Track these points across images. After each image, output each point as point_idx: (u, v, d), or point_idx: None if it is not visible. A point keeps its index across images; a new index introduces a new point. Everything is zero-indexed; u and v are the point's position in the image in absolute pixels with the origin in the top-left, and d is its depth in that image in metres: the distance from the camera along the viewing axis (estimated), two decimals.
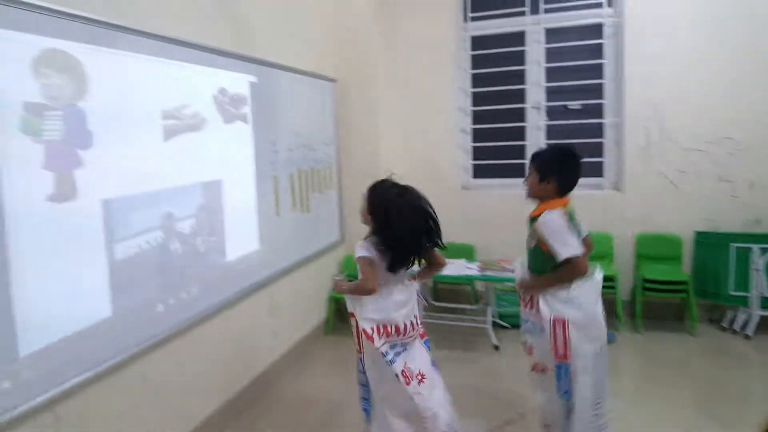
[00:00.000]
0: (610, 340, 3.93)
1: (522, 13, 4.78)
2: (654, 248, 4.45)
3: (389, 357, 2.15)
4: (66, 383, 1.98)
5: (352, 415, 3.12)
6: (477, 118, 5.06)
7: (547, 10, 4.72)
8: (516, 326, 4.34)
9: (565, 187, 2.38)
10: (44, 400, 1.89)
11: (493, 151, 5.02)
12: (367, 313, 2.18)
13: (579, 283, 2.27)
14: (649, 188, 4.50)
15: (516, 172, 4.97)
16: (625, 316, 4.35)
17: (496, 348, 4.00)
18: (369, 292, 2.16)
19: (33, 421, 1.87)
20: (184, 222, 2.65)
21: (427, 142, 5.07)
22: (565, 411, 2.34)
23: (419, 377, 2.20)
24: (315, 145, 4.16)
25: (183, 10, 2.70)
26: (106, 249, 2.17)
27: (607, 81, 4.64)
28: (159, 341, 2.48)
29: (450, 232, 5.02)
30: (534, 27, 4.76)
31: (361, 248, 2.21)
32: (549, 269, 2.31)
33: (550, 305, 2.29)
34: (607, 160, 4.71)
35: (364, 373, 2.30)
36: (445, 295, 5.00)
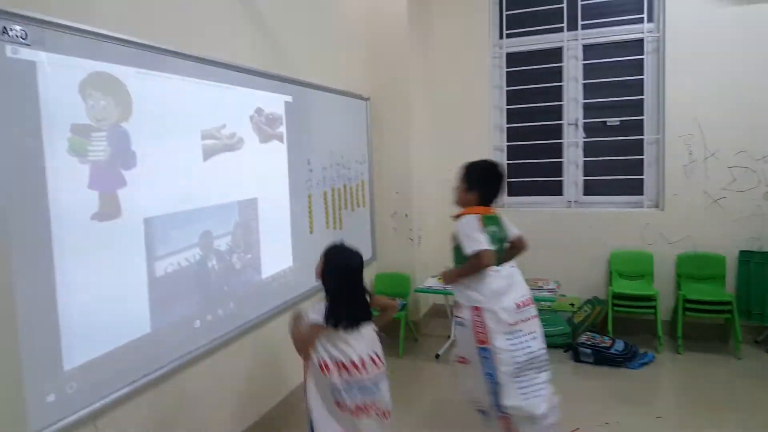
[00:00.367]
0: (649, 359, 3.91)
1: (559, 29, 4.75)
2: (696, 268, 4.32)
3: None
4: (107, 397, 2.02)
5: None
6: (511, 135, 5.02)
7: (584, 26, 4.68)
8: (551, 346, 4.24)
9: (486, 198, 2.68)
10: (87, 413, 1.94)
11: (528, 168, 4.97)
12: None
13: (489, 275, 2.55)
14: (691, 206, 4.37)
15: (552, 190, 4.91)
16: (665, 336, 4.23)
17: None
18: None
19: None
20: (221, 239, 2.70)
21: (461, 160, 4.98)
22: (492, 389, 2.54)
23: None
24: (349, 164, 4.20)
25: (221, 33, 2.79)
26: (147, 266, 2.23)
27: (647, 97, 4.55)
28: (196, 356, 2.52)
29: None
30: (572, 43, 4.73)
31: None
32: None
33: (465, 296, 2.59)
34: (647, 177, 4.60)
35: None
36: None
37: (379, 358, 2.26)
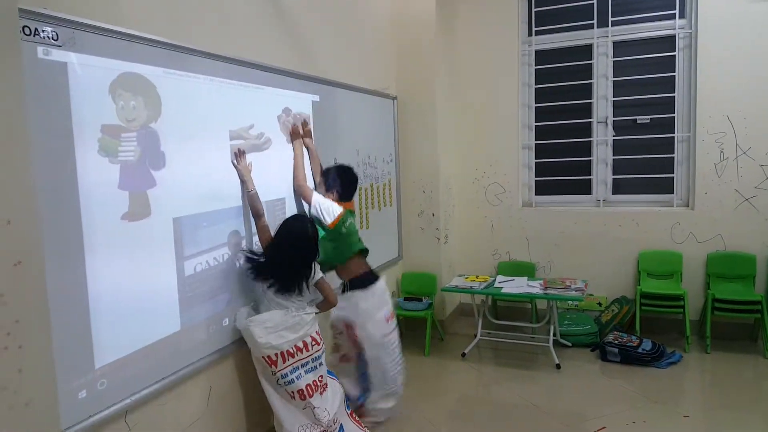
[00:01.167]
0: (677, 359, 3.84)
1: (589, 26, 4.66)
2: (726, 267, 4.25)
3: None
4: (137, 393, 2.05)
5: (414, 428, 3.11)
6: (540, 133, 4.95)
7: (614, 23, 4.58)
8: (578, 345, 4.21)
9: (343, 196, 3.09)
10: (118, 409, 1.96)
11: (556, 167, 4.89)
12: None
13: (358, 292, 2.99)
14: (722, 205, 4.28)
15: (581, 188, 4.83)
16: (693, 336, 4.19)
17: (558, 367, 3.89)
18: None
19: (107, 429, 1.95)
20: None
21: (488, 158, 5.01)
22: (363, 388, 3.06)
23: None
24: (375, 163, 4.19)
25: (249, 33, 2.80)
26: (176, 265, 2.25)
27: (679, 94, 4.43)
28: (224, 355, 2.54)
29: (510, 249, 5.03)
30: (602, 40, 4.63)
31: None
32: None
33: (339, 309, 2.95)
34: (678, 176, 4.50)
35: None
36: (504, 313, 4.92)
37: (319, 336, 2.65)
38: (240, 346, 2.64)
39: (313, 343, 2.59)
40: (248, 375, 2.74)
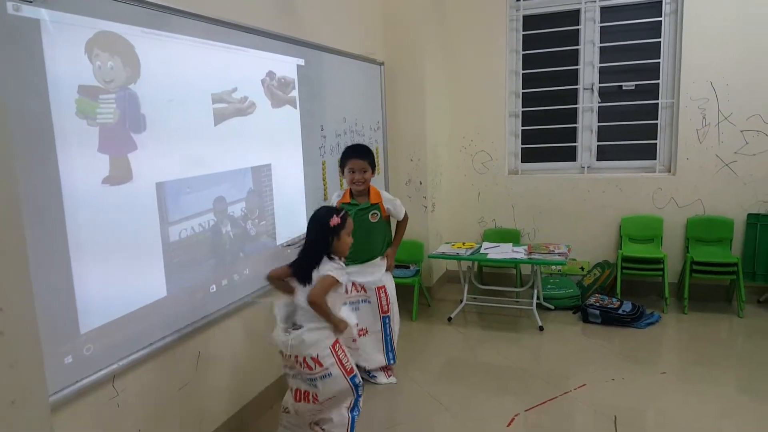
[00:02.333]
0: (655, 319, 4.00)
1: None
2: (705, 231, 4.36)
3: None
4: (125, 359, 2.05)
5: (402, 390, 3.18)
6: (526, 100, 4.93)
7: None
8: (561, 308, 4.31)
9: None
10: (105, 374, 1.96)
11: (543, 134, 4.89)
12: None
13: None
14: (702, 171, 4.36)
15: (565, 155, 4.85)
16: (671, 298, 4.33)
17: (541, 329, 3.98)
18: None
19: (95, 394, 1.95)
20: (235, 205, 2.68)
21: (476, 126, 4.99)
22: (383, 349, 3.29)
23: None
24: (363, 130, 4.15)
25: None
26: (161, 231, 2.22)
27: (664, 60, 4.44)
28: (212, 321, 2.54)
29: (496, 216, 5.06)
30: (589, 5, 4.58)
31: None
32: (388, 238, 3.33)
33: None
34: (661, 142, 4.54)
35: None
36: (490, 279, 5.00)
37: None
38: (228, 312, 2.64)
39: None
40: (237, 341, 2.76)
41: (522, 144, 4.98)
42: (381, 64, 4.45)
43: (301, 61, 3.26)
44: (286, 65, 3.12)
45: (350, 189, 3.20)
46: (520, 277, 4.83)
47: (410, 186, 4.70)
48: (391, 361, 3.30)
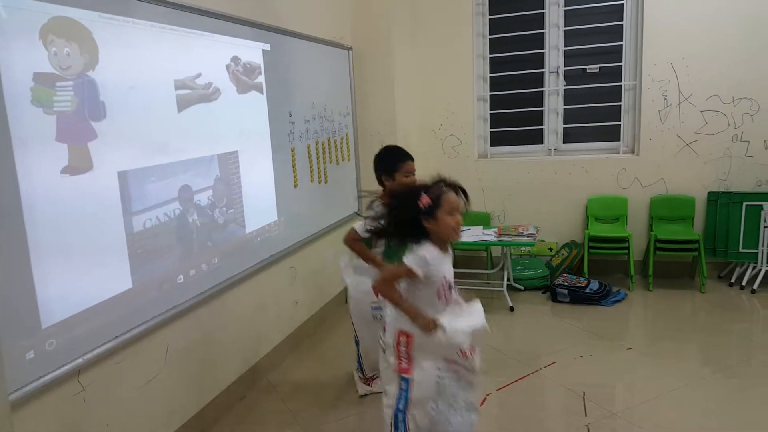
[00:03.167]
0: (622, 297, 4.13)
1: None
2: (668, 210, 4.48)
3: None
4: (90, 353, 2.00)
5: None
6: (494, 84, 4.95)
7: None
8: (531, 288, 4.44)
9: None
10: (69, 369, 1.91)
11: (511, 118, 4.93)
12: None
13: None
14: (664, 151, 4.47)
15: (533, 138, 4.91)
16: (637, 276, 4.44)
17: (512, 309, 4.06)
18: None
19: (59, 390, 1.90)
20: (201, 194, 2.64)
21: (445, 110, 5.00)
22: None
23: None
24: (332, 116, 4.11)
25: None
26: (124, 221, 2.17)
27: (626, 43, 4.51)
28: (181, 312, 2.50)
29: None
30: None
31: None
32: None
33: None
34: (624, 123, 4.63)
35: None
36: (461, 261, 5.04)
37: None
38: (198, 303, 2.60)
39: None
40: (206, 331, 2.73)
41: (490, 128, 5.01)
42: (349, 49, 4.40)
43: (267, 46, 3.20)
44: (252, 50, 3.06)
45: None
46: (490, 259, 4.89)
47: None
48: None
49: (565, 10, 4.62)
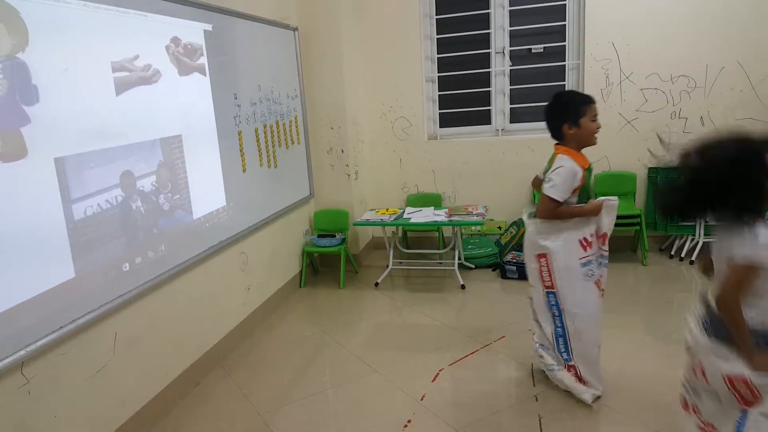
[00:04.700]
0: None
1: None
2: (611, 186, 4.63)
3: None
4: (33, 344, 1.95)
5: (332, 356, 3.23)
6: (442, 65, 4.99)
7: None
8: (481, 266, 4.55)
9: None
10: (11, 361, 1.86)
11: (459, 99, 4.99)
12: None
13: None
14: (607, 128, 4.47)
15: (481, 119, 4.97)
16: None
17: (463, 287, 4.16)
18: None
19: (2, 383, 1.85)
20: (144, 179, 2.57)
21: (394, 92, 5.00)
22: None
23: None
24: (280, 99, 4.06)
25: None
26: (64, 209, 2.10)
27: (570, 22, 4.61)
28: (127, 300, 2.45)
29: (418, 182, 5.14)
30: None
31: None
32: None
33: None
34: None
35: None
36: (414, 243, 5.12)
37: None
38: (145, 291, 2.56)
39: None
40: (156, 319, 2.68)
41: (439, 109, 5.06)
42: (295, 29, 4.34)
43: (209, 27, 3.13)
44: (192, 31, 2.98)
45: (581, 144, 2.51)
46: (442, 239, 4.97)
47: (332, 154, 4.68)
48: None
49: None
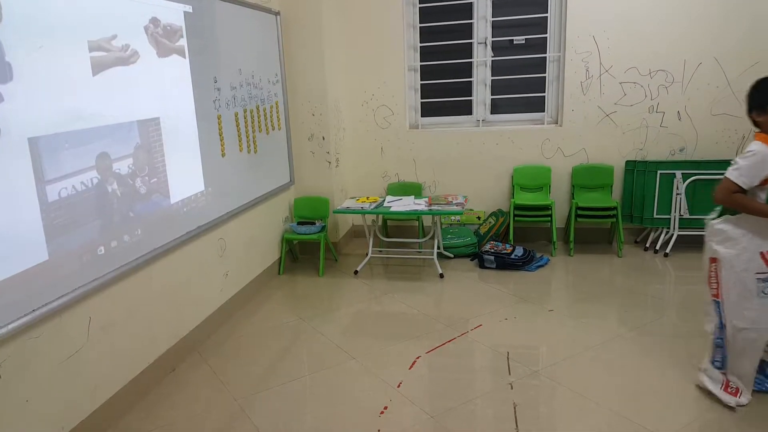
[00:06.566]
0: (544, 262, 4.32)
1: None
2: (588, 178, 4.70)
3: None
4: (3, 327, 1.91)
5: (310, 343, 3.23)
6: (424, 54, 4.98)
7: None
8: (460, 255, 4.56)
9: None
10: None
11: (441, 88, 4.99)
12: None
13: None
14: (586, 121, 4.67)
15: (463, 109, 4.99)
16: (559, 242, 4.70)
17: (441, 276, 4.20)
18: None
19: None
20: (121, 162, 2.53)
21: (376, 81, 4.98)
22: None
23: None
24: (260, 83, 4.02)
25: None
26: (37, 190, 2.06)
27: (551, 14, 4.63)
28: (102, 284, 2.41)
29: (399, 171, 5.15)
30: None
31: None
32: None
33: None
34: (549, 94, 4.78)
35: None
36: (394, 232, 5.13)
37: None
38: (121, 275, 2.52)
39: None
40: (132, 304, 2.65)
41: (421, 98, 5.05)
42: (277, 13, 4.29)
43: (189, 8, 3.07)
44: (172, 12, 2.93)
45: None
46: (422, 228, 5.00)
47: (313, 141, 4.65)
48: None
49: None
